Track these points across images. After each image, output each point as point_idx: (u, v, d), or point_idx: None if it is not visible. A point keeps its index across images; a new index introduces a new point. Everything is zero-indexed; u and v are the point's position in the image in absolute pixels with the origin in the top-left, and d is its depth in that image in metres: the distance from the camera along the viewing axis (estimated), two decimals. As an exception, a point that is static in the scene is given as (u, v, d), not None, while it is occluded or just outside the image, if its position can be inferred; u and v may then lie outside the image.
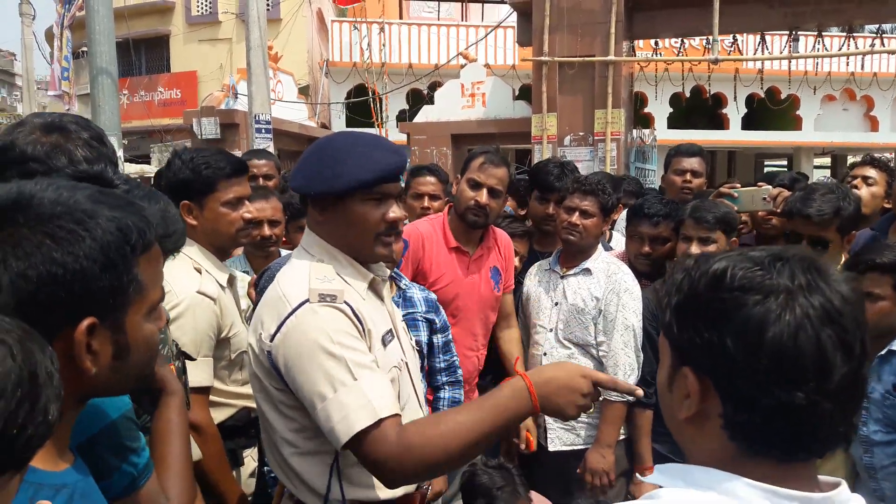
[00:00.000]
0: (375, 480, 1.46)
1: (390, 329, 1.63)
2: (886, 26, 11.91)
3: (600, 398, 1.45)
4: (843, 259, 2.42)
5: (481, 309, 2.75)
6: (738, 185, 3.09)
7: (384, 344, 1.56)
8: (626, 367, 2.64)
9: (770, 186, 3.02)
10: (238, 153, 11.60)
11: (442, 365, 2.51)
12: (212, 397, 2.03)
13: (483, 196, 2.58)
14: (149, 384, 1.28)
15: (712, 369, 0.80)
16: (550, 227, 3.08)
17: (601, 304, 2.69)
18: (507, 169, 2.65)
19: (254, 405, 2.14)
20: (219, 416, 2.07)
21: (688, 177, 3.59)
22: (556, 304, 2.79)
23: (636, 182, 3.98)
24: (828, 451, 0.80)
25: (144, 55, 17.62)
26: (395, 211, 1.58)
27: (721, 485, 0.79)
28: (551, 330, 2.79)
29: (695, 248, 2.63)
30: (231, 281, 2.17)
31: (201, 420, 1.89)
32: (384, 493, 1.52)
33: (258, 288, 2.17)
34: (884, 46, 12.23)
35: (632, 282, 2.72)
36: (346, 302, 1.47)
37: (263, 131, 9.30)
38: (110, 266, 0.92)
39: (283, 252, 2.88)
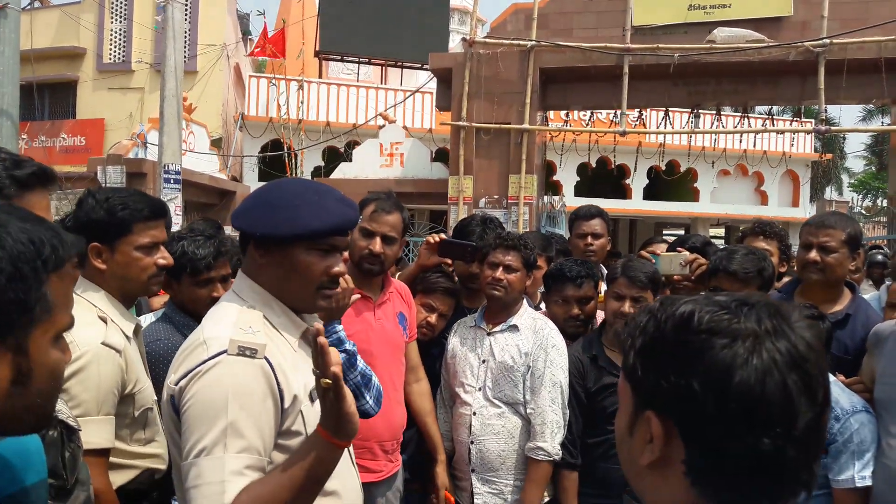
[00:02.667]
0: None
1: None
2: (775, 109, 12.95)
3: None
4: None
5: (395, 356, 2.66)
6: (657, 251, 3.16)
7: (312, 399, 1.48)
8: (553, 424, 2.60)
9: (686, 252, 3.06)
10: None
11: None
12: (112, 458, 1.86)
13: (377, 245, 2.52)
14: (46, 426, 1.15)
15: (677, 413, 0.79)
16: (475, 286, 3.03)
17: (529, 360, 2.67)
18: (401, 214, 2.60)
19: (157, 466, 2.00)
20: (120, 479, 1.89)
21: (589, 239, 3.57)
22: (484, 361, 2.74)
23: (565, 241, 3.91)
24: (791, 500, 0.79)
25: (48, 100, 16.91)
26: (340, 265, 1.56)
27: None
28: (480, 389, 2.73)
29: (628, 307, 2.65)
30: (137, 331, 2.02)
31: (99, 486, 1.71)
32: None
33: None
34: (773, 127, 13.31)
35: (559, 338, 2.72)
36: (266, 358, 1.41)
37: (172, 181, 9.03)
38: (18, 278, 0.83)
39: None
